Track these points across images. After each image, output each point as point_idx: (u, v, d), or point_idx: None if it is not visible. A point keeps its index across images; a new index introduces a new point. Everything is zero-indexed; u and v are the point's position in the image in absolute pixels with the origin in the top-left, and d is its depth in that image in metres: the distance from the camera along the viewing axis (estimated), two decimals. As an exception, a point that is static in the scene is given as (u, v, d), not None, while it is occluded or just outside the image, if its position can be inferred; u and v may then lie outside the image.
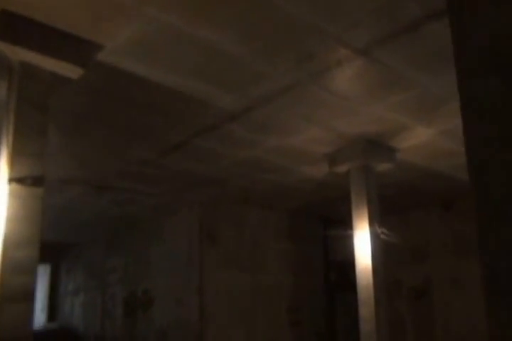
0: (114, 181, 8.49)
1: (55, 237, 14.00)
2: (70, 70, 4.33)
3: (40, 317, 15.98)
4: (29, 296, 3.89)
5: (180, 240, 10.35)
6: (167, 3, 3.84)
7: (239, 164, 7.80)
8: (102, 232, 13.08)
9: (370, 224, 7.05)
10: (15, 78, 4.16)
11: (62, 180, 8.16)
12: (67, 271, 15.82)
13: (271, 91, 5.36)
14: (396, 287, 11.14)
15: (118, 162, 7.50)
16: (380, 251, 7.02)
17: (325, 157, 7.54)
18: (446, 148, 7.40)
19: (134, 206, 10.29)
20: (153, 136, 6.56)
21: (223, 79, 5.11)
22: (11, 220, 3.80)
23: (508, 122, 1.90)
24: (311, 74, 5.04)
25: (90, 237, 13.82)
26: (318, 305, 11.36)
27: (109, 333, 12.54)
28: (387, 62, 4.87)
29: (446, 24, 2.21)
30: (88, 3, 3.83)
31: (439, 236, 11.15)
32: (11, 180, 3.85)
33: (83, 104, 5.57)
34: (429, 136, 6.91)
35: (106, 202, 9.80)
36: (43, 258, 12.54)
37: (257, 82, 5.16)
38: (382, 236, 7.23)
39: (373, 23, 4.19)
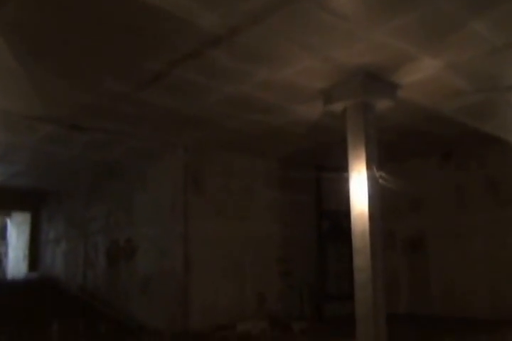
0: (88, 120, 7.77)
1: (34, 184, 13.42)
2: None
3: (21, 267, 15.60)
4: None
5: (164, 187, 9.76)
6: None
7: (225, 101, 7.09)
8: (82, 179, 12.48)
9: (368, 167, 6.46)
10: None
11: (30, 117, 7.44)
12: (48, 219, 15.32)
13: (259, 7, 4.61)
14: (390, 238, 10.73)
15: (89, 96, 6.74)
16: (377, 196, 6.47)
17: (320, 93, 6.84)
18: (453, 85, 6.73)
19: (113, 150, 9.62)
20: (126, 64, 5.81)
21: (204, -9, 4.36)
22: None
23: None
24: (306, -14, 4.29)
25: (71, 184, 13.23)
26: (309, 255, 10.93)
27: (92, 283, 12.16)
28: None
29: None
30: None
31: (438, 185, 10.70)
32: None
33: (39, 21, 4.78)
34: (434, 70, 6.21)
35: (81, 144, 9.11)
36: (23, 205, 12.13)
37: (243, -6, 4.41)
38: (380, 180, 6.67)
39: None
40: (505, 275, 9.50)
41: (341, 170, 6.92)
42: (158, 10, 4.58)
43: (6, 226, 17.88)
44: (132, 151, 9.73)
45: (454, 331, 8.25)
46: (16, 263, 16.27)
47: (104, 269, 11.69)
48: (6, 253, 17.47)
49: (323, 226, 11.27)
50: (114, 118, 7.72)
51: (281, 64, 5.89)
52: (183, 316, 8.59)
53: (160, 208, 9.73)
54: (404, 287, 10.85)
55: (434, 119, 8.16)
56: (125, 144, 9.21)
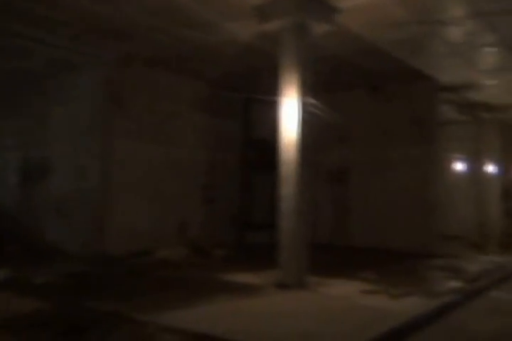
0: (3, 22, 6.87)
1: None
2: None
3: None
4: None
5: (83, 104, 9.05)
6: None
7: (151, 11, 6.47)
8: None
9: (300, 94, 6.18)
10: None
11: None
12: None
13: None
14: (315, 169, 10.66)
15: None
16: (308, 124, 6.24)
17: (254, 10, 6.34)
18: (392, 14, 6.51)
19: (31, 59, 8.67)
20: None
21: None
22: None
23: None
24: None
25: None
26: (234, 183, 10.78)
27: (5, 201, 11.50)
28: None
29: None
30: None
31: (364, 119, 10.69)
32: None
33: None
34: (377, -5, 5.89)
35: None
36: None
37: None
38: (311, 107, 6.43)
39: None
40: (422, 211, 9.82)
41: (272, 98, 6.60)
42: None
43: None
44: (51, 62, 8.84)
45: (372, 261, 8.55)
46: None
47: (17, 188, 11.02)
48: None
49: (250, 155, 11.07)
50: (31, 21, 6.87)
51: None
52: (99, 240, 8.28)
53: (78, 126, 9.06)
54: (326, 218, 11.02)
55: (368, 51, 7.98)
56: (43, 53, 8.31)
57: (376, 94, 10.53)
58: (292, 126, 6.16)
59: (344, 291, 5.92)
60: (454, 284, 6.58)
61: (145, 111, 9.09)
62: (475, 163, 12.35)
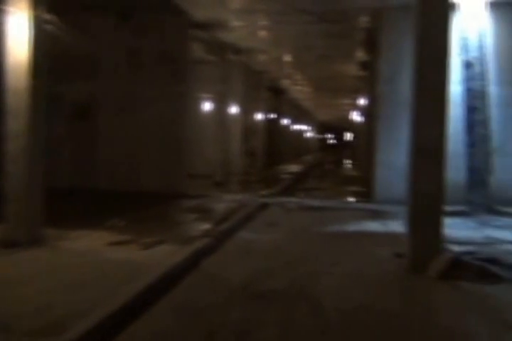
0: None
1: None
2: None
3: None
4: None
5: None
6: None
7: None
8: None
9: (33, 7, 4.99)
10: None
11: None
12: None
13: None
14: (55, 102, 9.34)
15: None
16: (43, 44, 5.12)
17: None
18: None
19: None
20: None
21: None
22: None
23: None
24: None
25: None
26: None
27: None
28: None
29: None
30: None
31: (116, 49, 9.73)
32: None
33: None
34: None
35: None
36: None
37: None
38: (49, 26, 5.29)
39: None
40: (172, 151, 9.55)
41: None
42: None
43: None
44: None
45: (121, 206, 7.93)
46: None
47: None
48: None
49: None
50: None
51: None
52: None
53: None
54: (68, 159, 9.91)
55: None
56: None
57: (128, 23, 9.59)
58: (22, 47, 4.99)
59: (89, 245, 5.19)
60: (205, 226, 6.38)
61: None
62: (220, 104, 12.40)
